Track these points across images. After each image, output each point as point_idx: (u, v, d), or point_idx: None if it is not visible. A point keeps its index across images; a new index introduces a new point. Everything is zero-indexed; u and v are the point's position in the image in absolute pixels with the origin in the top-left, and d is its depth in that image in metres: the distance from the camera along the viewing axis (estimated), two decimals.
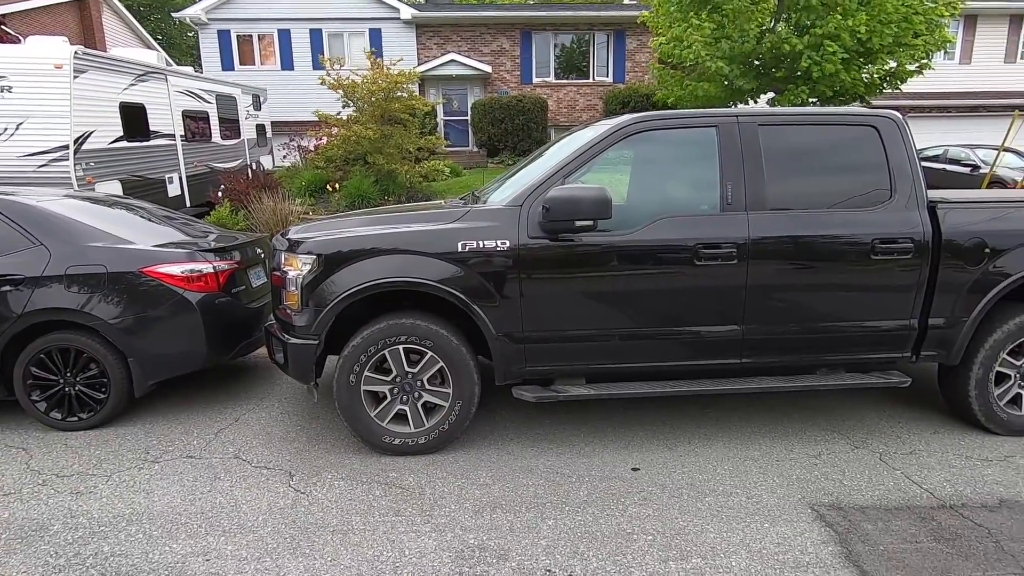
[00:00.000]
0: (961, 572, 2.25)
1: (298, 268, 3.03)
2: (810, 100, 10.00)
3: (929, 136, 16.23)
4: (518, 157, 13.80)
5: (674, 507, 2.67)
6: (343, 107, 10.00)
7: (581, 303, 3.06)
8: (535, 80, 17.57)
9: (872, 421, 3.57)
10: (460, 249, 2.96)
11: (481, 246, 2.96)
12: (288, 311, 3.11)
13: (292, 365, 3.13)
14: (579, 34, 17.64)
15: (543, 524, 2.56)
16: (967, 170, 13.73)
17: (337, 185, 9.50)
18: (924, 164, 12.44)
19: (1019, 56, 16.90)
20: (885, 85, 9.98)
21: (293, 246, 3.11)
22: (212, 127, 10.78)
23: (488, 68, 16.88)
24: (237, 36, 16.67)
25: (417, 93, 12.11)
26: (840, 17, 8.29)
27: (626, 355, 3.15)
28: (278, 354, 3.22)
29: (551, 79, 17.70)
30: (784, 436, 3.38)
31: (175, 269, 3.50)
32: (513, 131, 15.63)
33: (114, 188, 7.51)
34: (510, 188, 3.27)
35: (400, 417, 3.14)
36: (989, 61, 16.90)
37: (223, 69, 16.38)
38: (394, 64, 9.93)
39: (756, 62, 9.39)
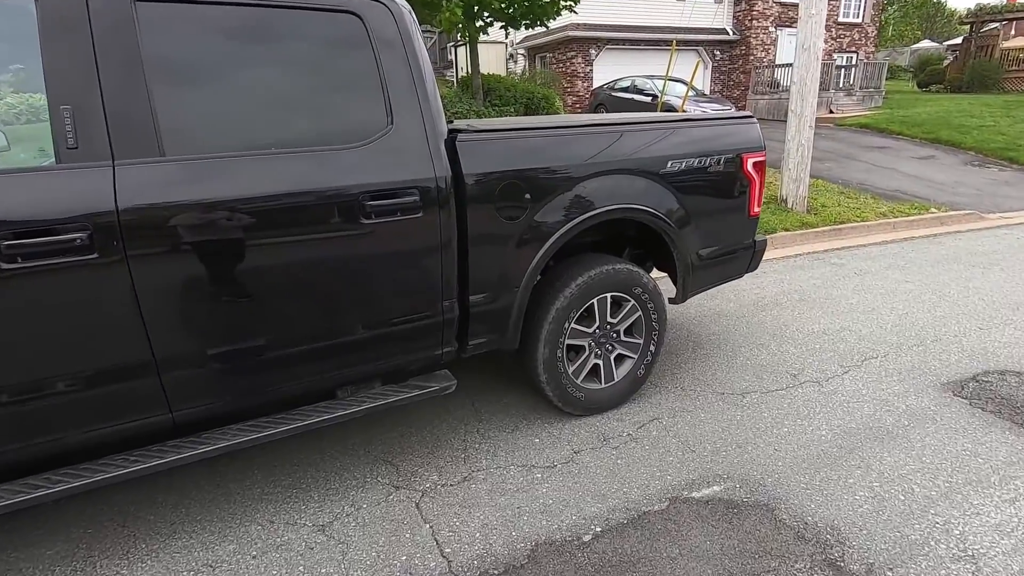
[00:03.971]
0: None
1: None
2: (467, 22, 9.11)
3: (625, 68, 17.49)
4: None
5: None
6: None
7: None
8: None
9: (448, 427, 2.71)
10: None
11: None
12: None
13: None
14: None
15: None
16: (649, 99, 15.01)
17: None
18: (617, 95, 12.54)
19: None
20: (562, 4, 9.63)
21: None
22: None
23: None
24: None
25: None
26: None
27: None
28: None
29: None
30: (304, 492, 2.29)
31: None
32: None
33: None
34: None
35: None
36: None
37: None
38: None
39: None
